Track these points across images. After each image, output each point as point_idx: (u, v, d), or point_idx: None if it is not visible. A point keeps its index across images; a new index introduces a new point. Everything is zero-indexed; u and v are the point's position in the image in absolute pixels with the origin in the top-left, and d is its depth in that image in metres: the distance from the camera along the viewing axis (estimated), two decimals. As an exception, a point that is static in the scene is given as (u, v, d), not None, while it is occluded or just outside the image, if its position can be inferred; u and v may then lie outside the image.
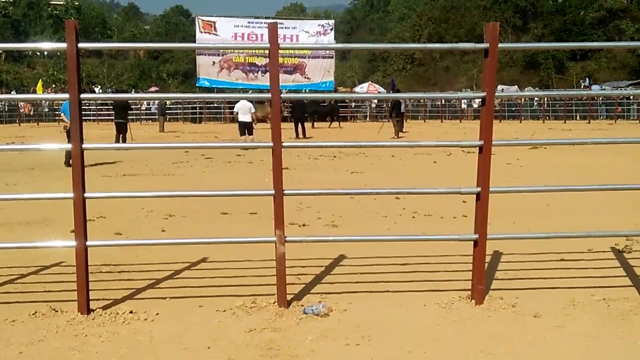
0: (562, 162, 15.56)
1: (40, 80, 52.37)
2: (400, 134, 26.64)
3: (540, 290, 5.36)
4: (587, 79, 51.51)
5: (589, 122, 37.34)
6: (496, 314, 4.83)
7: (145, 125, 38.38)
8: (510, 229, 7.67)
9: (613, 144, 5.33)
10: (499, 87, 43.47)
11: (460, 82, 61.39)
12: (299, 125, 26.48)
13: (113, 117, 23.97)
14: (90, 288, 4.95)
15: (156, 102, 34.45)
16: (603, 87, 44.37)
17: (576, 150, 18.06)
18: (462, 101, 43.54)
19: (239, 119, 21.78)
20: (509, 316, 4.80)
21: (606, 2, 58.51)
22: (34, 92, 49.73)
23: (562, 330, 4.51)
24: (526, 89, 48.27)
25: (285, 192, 4.99)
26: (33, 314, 4.84)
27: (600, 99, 40.71)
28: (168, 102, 36.32)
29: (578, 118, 40.64)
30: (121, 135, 22.09)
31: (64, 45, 4.74)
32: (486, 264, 5.38)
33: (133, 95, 39.31)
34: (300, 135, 26.26)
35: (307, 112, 31.02)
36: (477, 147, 5.03)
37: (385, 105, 40.64)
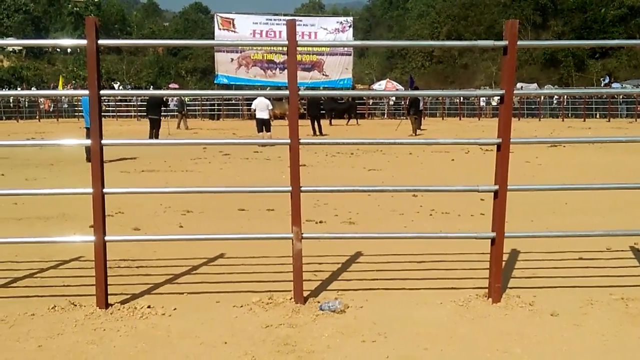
0: (581, 161, 15.44)
1: (61, 76, 52.82)
2: (418, 132, 26.56)
3: (558, 289, 5.33)
4: (607, 76, 51.01)
5: (609, 121, 37.00)
6: (513, 312, 4.82)
7: (164, 121, 38.47)
8: (528, 227, 7.63)
9: (633, 142, 5.29)
10: (518, 84, 43.21)
11: (479, 80, 61.04)
12: (315, 123, 26.49)
13: (146, 114, 24.20)
14: (108, 283, 4.99)
15: (175, 98, 34.54)
16: (624, 85, 43.91)
17: (596, 148, 17.92)
18: (481, 99, 43.32)
19: (257, 116, 21.89)
20: (526, 314, 4.78)
21: (628, 0, 57.93)
22: (54, 88, 50.21)
23: (580, 329, 4.49)
24: (545, 86, 47.99)
25: (302, 188, 5.00)
26: (52, 308, 4.90)
27: (621, 97, 40.28)
28: (187, 98, 36.36)
29: (598, 116, 40.27)
30: (154, 130, 22.29)
31: (84, 41, 4.78)
32: (503, 262, 5.37)
33: (153, 92, 39.60)
34: (317, 133, 26.27)
35: (323, 109, 31.02)
36: (495, 145, 5.01)
37: (403, 103, 40.55)
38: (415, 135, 25.55)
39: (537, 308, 4.88)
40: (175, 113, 34.45)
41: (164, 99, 23.54)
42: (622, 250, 6.54)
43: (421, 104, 29.69)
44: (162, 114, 24.06)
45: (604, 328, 4.49)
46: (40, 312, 4.85)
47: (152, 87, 62.00)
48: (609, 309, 4.87)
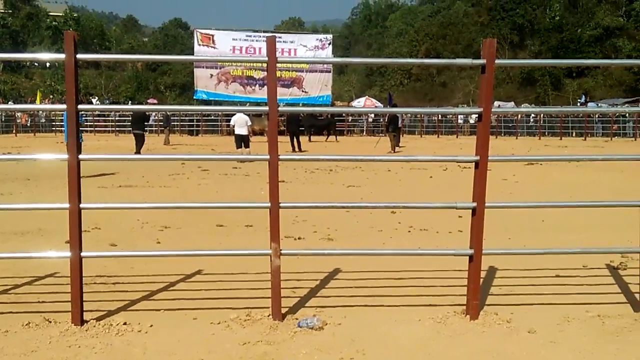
0: (558, 179, 15.59)
1: (39, 91, 52.43)
2: (397, 149, 26.69)
3: (535, 306, 5.35)
4: (583, 96, 51.62)
5: (585, 139, 37.46)
6: (491, 329, 4.83)
7: (148, 137, 38.34)
8: (505, 245, 7.67)
9: (609, 160, 5.34)
10: (496, 103, 43.63)
11: (457, 98, 61.59)
12: (295, 139, 26.52)
13: (130, 129, 24.12)
14: (84, 299, 4.93)
15: (159, 114, 34.36)
16: (599, 105, 44.50)
17: (572, 166, 18.12)
18: (459, 117, 43.67)
19: (236, 132, 21.88)
20: (503, 332, 4.79)
21: (603, 20, 58.83)
22: (32, 102, 49.80)
23: (557, 346, 4.51)
24: (522, 105, 48.44)
25: (281, 205, 4.99)
26: (26, 325, 4.83)
27: (597, 116, 40.82)
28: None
29: (574, 135, 40.78)
30: (138, 145, 22.24)
31: (62, 56, 4.76)
32: (481, 279, 5.39)
33: (131, 106, 39.41)
34: (296, 149, 26.29)
35: (302, 125, 31.07)
36: (473, 163, 5.04)
37: (382, 120, 40.75)
38: (394, 152, 25.66)
39: (515, 325, 4.89)
40: (154, 128, 34.26)
41: (146, 114, 23.48)
42: (599, 268, 6.60)
43: (400, 122, 29.88)
44: (145, 128, 23.91)
45: (581, 345, 4.51)
46: (14, 328, 4.78)
47: (130, 102, 61.69)
48: (586, 326, 4.90)
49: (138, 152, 21.84)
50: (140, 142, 22.44)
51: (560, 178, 15.72)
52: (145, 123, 23.61)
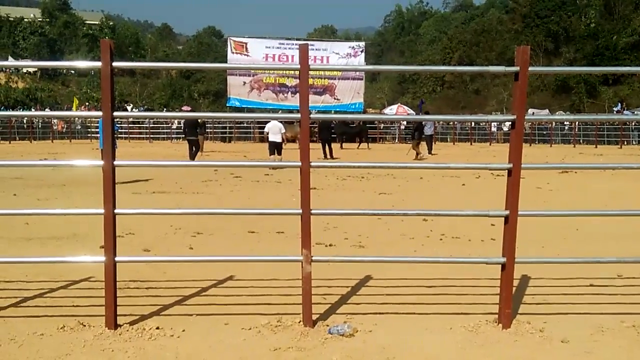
0: (592, 187, 15.38)
1: (75, 98, 53.25)
2: (429, 156, 26.57)
3: (569, 316, 5.29)
4: (619, 103, 50.90)
5: (621, 147, 36.91)
6: (523, 339, 4.78)
7: (176, 144, 38.78)
8: (538, 253, 7.60)
9: (645, 169, 5.28)
10: (530, 110, 43.22)
11: (490, 105, 61.13)
12: (326, 146, 26.57)
13: (184, 135, 24.33)
14: (117, 303, 5.00)
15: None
16: (635, 113, 43.80)
17: (607, 175, 17.85)
18: (492, 124, 43.33)
19: (270, 139, 21.97)
20: (536, 341, 4.74)
21: (639, 27, 58.01)
22: (68, 109, 50.57)
23: (590, 356, 4.45)
24: (557, 112, 47.91)
25: (312, 211, 5.01)
26: (61, 328, 4.90)
27: (633, 124, 40.18)
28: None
29: (609, 143, 40.17)
30: (193, 151, 22.39)
31: (99, 63, 4.83)
32: (514, 288, 5.34)
33: (164, 113, 39.86)
34: (328, 156, 26.32)
35: (334, 133, 31.09)
36: (506, 170, 5.01)
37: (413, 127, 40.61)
38: (418, 159, 25.42)
39: (548, 334, 4.84)
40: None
41: (199, 121, 23.61)
42: (634, 278, 6.49)
43: (432, 129, 29.75)
44: (199, 134, 23.87)
45: (615, 355, 4.45)
46: (49, 332, 4.85)
47: (165, 109, 62.32)
48: (620, 336, 4.83)
49: (192, 158, 21.97)
50: (194, 148, 22.52)
51: (595, 186, 15.51)
52: (198, 130, 23.60)
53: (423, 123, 27.09)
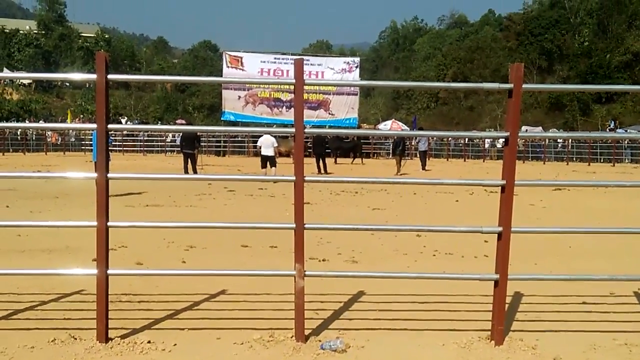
0: (585, 205, 15.42)
1: (69, 110, 53.24)
2: (423, 172, 26.63)
3: (561, 333, 5.29)
4: (612, 122, 51.18)
5: (614, 165, 37.04)
6: (516, 356, 4.77)
7: (170, 157, 38.75)
8: (531, 270, 7.60)
9: (637, 187, 5.26)
10: (523, 127, 43.38)
11: (484, 122, 61.42)
12: (320, 161, 26.61)
13: (180, 148, 24.31)
14: (109, 317, 4.97)
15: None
16: (629, 131, 43.99)
17: (600, 192, 17.92)
18: (486, 141, 43.47)
19: (262, 153, 22.06)
20: (528, 358, 4.74)
21: (632, 46, 58.44)
22: (62, 121, 50.56)
23: (583, 374, 4.44)
24: (550, 130, 48.10)
25: (306, 226, 5.00)
26: (52, 341, 4.87)
27: (626, 142, 40.34)
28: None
29: (603, 161, 40.31)
30: (190, 164, 22.36)
31: (94, 76, 4.84)
32: (506, 305, 5.34)
33: (157, 127, 39.77)
34: (322, 171, 26.35)
35: (328, 147, 31.15)
36: (500, 187, 5.02)
37: (408, 143, 40.71)
38: (399, 175, 25.29)
39: (540, 352, 4.84)
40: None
41: (197, 135, 23.61)
42: (626, 295, 6.50)
43: (426, 145, 29.83)
44: (196, 148, 23.84)
45: (608, 373, 4.44)
46: (40, 345, 4.82)
47: (159, 122, 62.34)
48: (613, 354, 4.82)
49: (192, 171, 21.93)
50: (191, 161, 22.47)
51: (588, 204, 15.55)
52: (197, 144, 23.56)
53: (416, 139, 27.25)
